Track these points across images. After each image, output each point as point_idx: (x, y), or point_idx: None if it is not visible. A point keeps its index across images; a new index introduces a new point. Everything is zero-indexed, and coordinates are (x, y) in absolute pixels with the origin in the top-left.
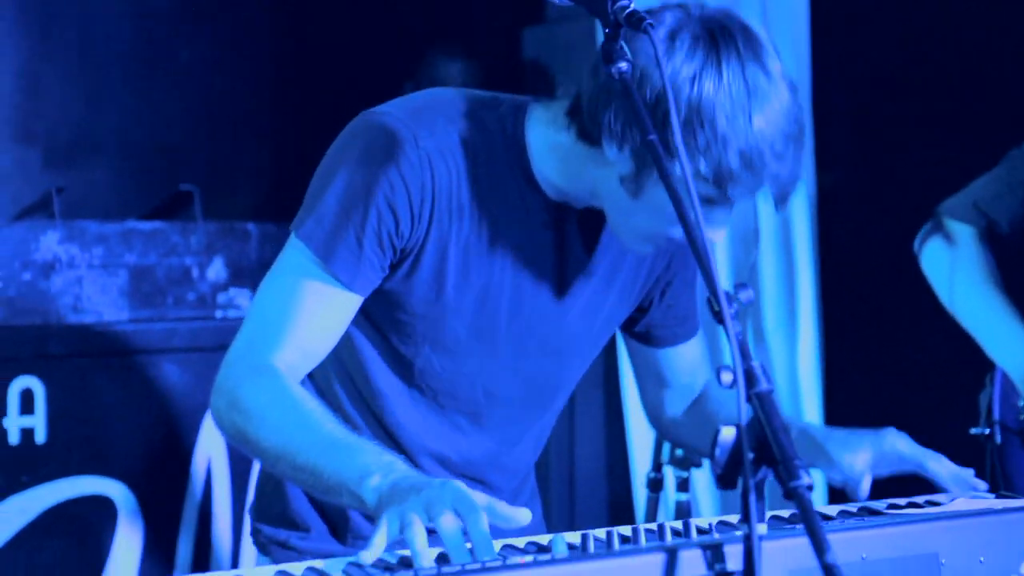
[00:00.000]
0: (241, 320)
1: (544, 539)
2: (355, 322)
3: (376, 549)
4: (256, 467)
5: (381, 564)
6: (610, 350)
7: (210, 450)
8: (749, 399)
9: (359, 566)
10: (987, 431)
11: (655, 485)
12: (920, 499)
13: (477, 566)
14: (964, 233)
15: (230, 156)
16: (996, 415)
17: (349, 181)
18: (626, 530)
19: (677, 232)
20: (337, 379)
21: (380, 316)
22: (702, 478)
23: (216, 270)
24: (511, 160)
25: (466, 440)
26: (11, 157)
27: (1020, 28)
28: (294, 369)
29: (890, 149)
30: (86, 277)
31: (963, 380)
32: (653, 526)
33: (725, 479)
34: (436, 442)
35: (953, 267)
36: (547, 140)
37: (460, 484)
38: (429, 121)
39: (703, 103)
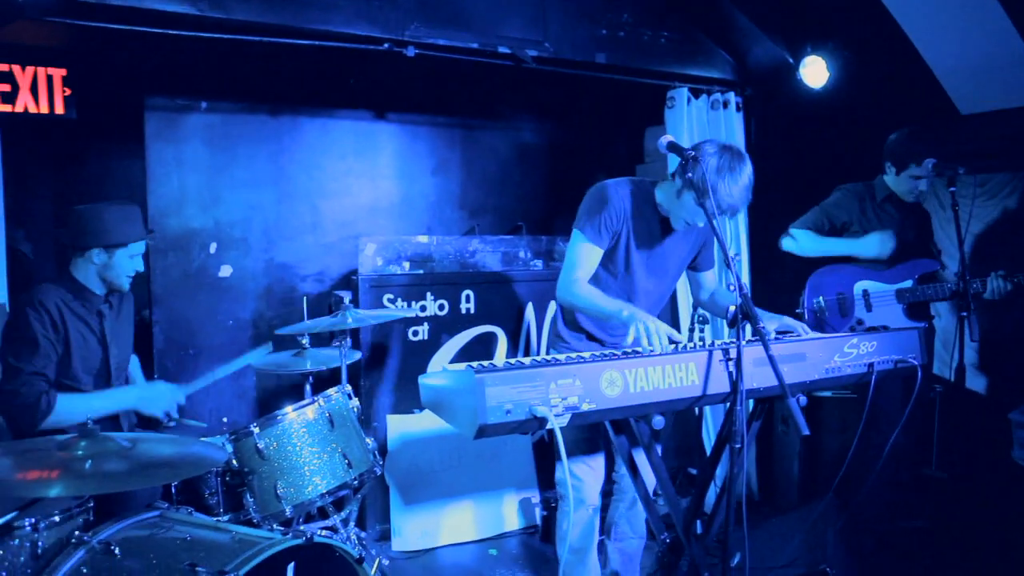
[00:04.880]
0: None
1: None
2: (600, 264)
3: (630, 339)
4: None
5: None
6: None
7: None
8: (742, 296)
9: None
10: (800, 311)
11: (692, 329)
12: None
13: (669, 348)
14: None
15: None
16: (806, 305)
17: (592, 205)
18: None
19: (699, 218)
20: (594, 282)
21: (605, 260)
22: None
23: None
24: (650, 201)
25: (640, 303)
26: None
27: None
28: (586, 278)
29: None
30: None
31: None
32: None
33: (731, 323)
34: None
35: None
36: (663, 193)
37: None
38: (618, 184)
39: (713, 182)
